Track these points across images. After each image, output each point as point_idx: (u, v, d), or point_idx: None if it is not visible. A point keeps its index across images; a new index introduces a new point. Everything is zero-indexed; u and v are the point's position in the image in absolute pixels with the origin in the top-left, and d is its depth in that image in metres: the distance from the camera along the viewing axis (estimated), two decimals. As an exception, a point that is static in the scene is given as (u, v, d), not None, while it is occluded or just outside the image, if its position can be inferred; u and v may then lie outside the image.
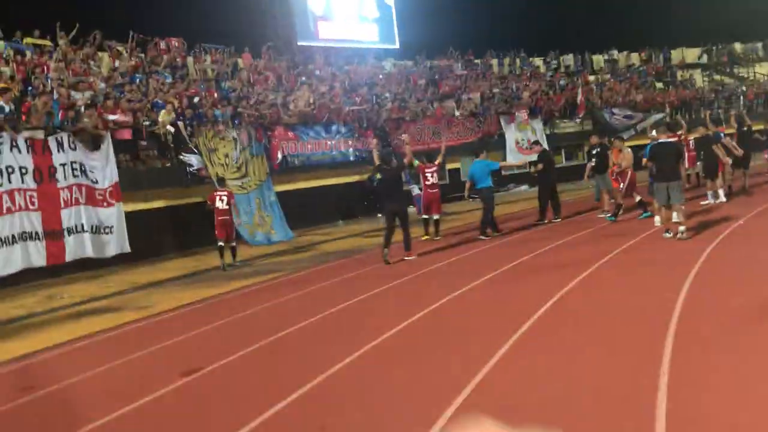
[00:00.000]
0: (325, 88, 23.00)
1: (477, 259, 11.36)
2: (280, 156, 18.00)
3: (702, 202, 14.64)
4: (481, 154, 14.62)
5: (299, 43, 27.85)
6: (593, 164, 14.71)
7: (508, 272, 9.67)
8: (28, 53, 18.07)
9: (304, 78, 23.98)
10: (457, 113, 24.80)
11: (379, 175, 13.15)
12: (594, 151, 14.77)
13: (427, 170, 14.62)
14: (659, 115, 27.53)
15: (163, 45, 23.51)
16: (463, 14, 37.25)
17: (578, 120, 28.20)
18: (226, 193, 13.67)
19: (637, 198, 13.65)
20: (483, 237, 13.48)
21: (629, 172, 13.33)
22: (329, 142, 19.45)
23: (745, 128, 17.34)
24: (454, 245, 13.16)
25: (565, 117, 28.26)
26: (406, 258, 11.86)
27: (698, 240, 10.32)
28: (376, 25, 30.94)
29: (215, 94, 19.03)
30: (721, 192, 14.72)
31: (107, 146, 14.29)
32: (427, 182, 14.62)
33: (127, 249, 14.32)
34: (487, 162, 14.36)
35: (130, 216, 14.50)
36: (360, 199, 20.54)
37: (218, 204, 13.44)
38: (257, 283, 11.18)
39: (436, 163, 14.73)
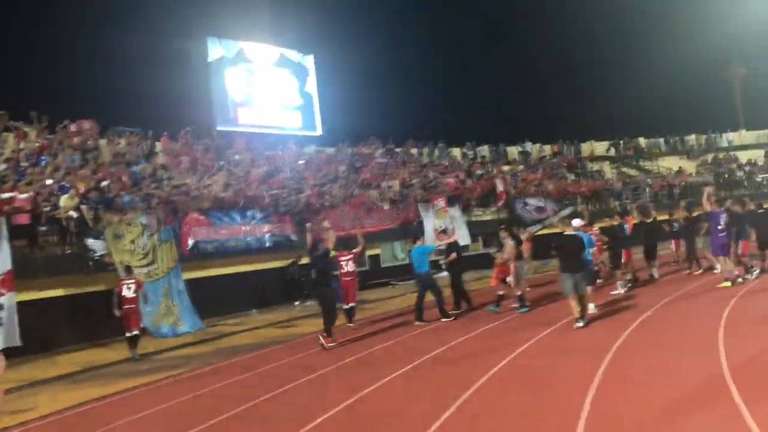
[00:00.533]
0: (242, 173, 22.75)
1: (392, 351, 11.00)
2: (191, 242, 17.36)
3: (612, 292, 14.89)
4: (419, 240, 14.72)
5: (218, 128, 27.73)
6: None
7: (423, 365, 9.36)
8: None
9: (222, 162, 23.68)
10: (379, 201, 24.88)
11: (305, 260, 13.12)
12: (502, 242, 14.87)
13: (342, 258, 14.43)
14: (568, 210, 28.41)
15: (73, 127, 22.79)
16: (384, 105, 38.44)
17: (495, 208, 28.85)
18: (133, 281, 13.43)
19: (518, 292, 13.57)
20: (418, 322, 13.47)
21: (512, 265, 13.42)
22: (244, 228, 18.96)
23: (650, 219, 17.96)
24: (371, 334, 12.85)
25: (482, 205, 28.86)
26: (325, 345, 11.59)
27: (608, 329, 10.35)
28: (299, 113, 31.29)
29: (125, 179, 18.38)
30: (619, 284, 15.00)
31: (1, 231, 13.37)
32: (342, 270, 14.40)
33: (18, 342, 13.18)
34: (424, 246, 14.49)
35: (24, 305, 13.45)
36: (275, 286, 19.96)
37: (125, 292, 13.05)
38: (153, 382, 10.41)
39: (354, 251, 14.53)
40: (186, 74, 28.60)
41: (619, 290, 14.83)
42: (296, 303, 19.82)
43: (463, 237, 25.57)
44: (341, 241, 22.22)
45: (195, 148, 24.83)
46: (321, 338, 11.80)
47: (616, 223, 15.88)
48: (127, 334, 12.96)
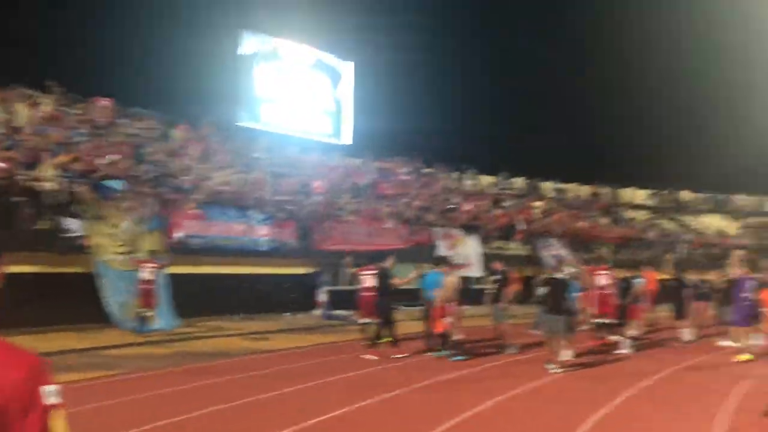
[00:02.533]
0: (258, 173, 21.75)
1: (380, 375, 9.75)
2: (180, 234, 16.40)
3: (615, 351, 13.39)
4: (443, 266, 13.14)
5: (239, 124, 26.96)
6: (492, 292, 13.47)
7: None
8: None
9: (237, 159, 22.85)
10: (393, 219, 23.70)
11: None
12: (493, 278, 13.51)
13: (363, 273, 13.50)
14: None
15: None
16: (420, 122, 37.24)
17: (517, 244, 27.45)
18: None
19: (454, 336, 11.96)
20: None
21: (453, 305, 11.75)
22: (240, 227, 17.97)
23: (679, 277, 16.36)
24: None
25: (504, 238, 27.48)
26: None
27: (591, 395, 8.93)
28: (329, 119, 30.41)
29: (125, 159, 17.56)
30: (627, 342, 13.47)
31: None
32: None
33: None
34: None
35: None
36: (267, 293, 18.88)
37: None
38: (77, 381, 9.32)
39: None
40: (215, 66, 27.98)
41: (624, 350, 13.30)
42: (288, 313, 18.73)
43: (476, 269, 24.27)
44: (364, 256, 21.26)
45: (212, 140, 24.09)
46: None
47: (621, 276, 14.30)
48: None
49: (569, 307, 11.49)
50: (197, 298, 16.61)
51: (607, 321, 14.09)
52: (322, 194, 21.65)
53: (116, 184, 15.67)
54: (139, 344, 12.91)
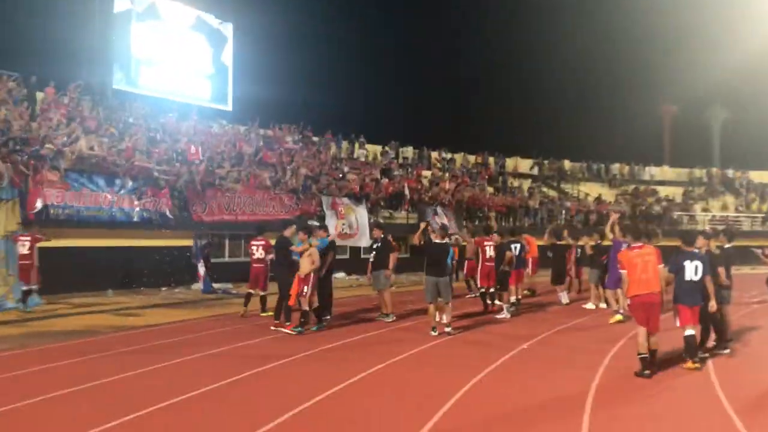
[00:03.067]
0: (128, 138, 20.25)
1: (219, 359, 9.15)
2: (39, 204, 14.97)
3: (496, 316, 13.51)
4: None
5: (114, 87, 25.17)
6: (371, 260, 13.16)
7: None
8: None
9: (110, 124, 21.22)
10: (278, 188, 22.91)
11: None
12: (374, 246, 13.21)
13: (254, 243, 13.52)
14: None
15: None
16: (307, 90, 36.46)
17: (406, 212, 27.43)
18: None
19: (305, 307, 11.26)
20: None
21: (311, 276, 11.20)
22: (110, 197, 16.67)
23: (562, 242, 16.86)
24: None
25: (393, 207, 27.38)
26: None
27: (470, 360, 8.82)
28: (210, 83, 28.98)
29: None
30: (504, 309, 13.62)
31: None
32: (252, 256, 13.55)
33: None
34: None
35: None
36: (142, 267, 17.76)
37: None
38: None
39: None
40: (87, 24, 25.82)
41: (504, 314, 13.44)
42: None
43: (364, 238, 24.05)
44: (227, 226, 20.46)
45: (81, 103, 22.29)
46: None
47: (505, 240, 14.45)
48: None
49: (448, 272, 11.58)
50: (61, 274, 15.33)
51: (491, 290, 14.25)
52: (199, 161, 20.49)
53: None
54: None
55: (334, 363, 8.86)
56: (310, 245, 11.43)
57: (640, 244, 8.84)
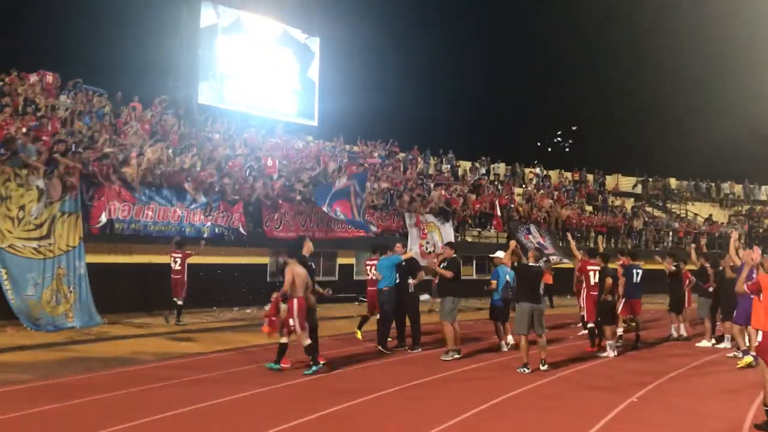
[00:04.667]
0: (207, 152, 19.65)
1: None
2: (104, 218, 14.37)
3: (599, 354, 11.62)
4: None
5: (200, 102, 24.92)
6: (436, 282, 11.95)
7: None
8: None
9: (194, 139, 20.85)
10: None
11: None
12: (442, 265, 11.56)
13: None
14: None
15: (34, 77, 20.41)
16: (394, 105, 35.37)
17: (495, 231, 25.68)
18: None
19: (306, 342, 9.17)
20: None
21: (296, 301, 9.11)
22: (179, 212, 15.96)
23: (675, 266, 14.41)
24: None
25: (481, 226, 25.69)
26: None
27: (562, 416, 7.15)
28: (296, 99, 28.36)
29: (49, 129, 15.53)
30: (608, 346, 11.63)
31: None
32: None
33: None
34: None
35: None
36: (212, 285, 16.95)
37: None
38: None
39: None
40: (174, 40, 25.85)
41: (608, 353, 11.52)
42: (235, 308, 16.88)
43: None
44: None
45: (164, 118, 22.06)
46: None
47: (612, 266, 12.47)
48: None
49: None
50: (125, 293, 14.69)
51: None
52: (275, 176, 19.63)
53: (29, 154, 13.53)
54: (33, 347, 10.87)
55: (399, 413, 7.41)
56: None
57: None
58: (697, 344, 13.10)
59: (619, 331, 12.45)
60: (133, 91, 22.71)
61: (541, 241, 25.51)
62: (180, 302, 14.37)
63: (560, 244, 25.98)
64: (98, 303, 13.95)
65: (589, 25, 41.71)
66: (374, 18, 31.77)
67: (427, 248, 22.66)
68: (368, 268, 12.70)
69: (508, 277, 11.48)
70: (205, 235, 16.40)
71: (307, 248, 10.04)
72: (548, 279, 17.49)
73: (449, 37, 44.12)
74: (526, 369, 9.78)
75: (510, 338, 11.94)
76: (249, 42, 26.45)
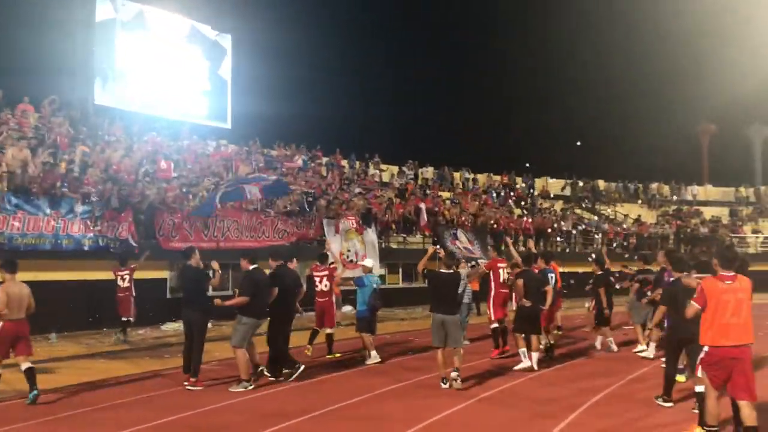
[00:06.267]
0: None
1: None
2: (-43, 231, 12.27)
3: (516, 367, 10.32)
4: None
5: (96, 103, 22.73)
6: None
7: None
8: None
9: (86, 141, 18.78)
10: (272, 210, 20.05)
11: None
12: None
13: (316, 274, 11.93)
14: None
15: None
16: (313, 107, 33.91)
17: (421, 236, 24.37)
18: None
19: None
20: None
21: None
22: (54, 223, 13.90)
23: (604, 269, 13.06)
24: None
25: (406, 231, 24.34)
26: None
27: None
28: (206, 100, 26.43)
29: None
30: (534, 356, 10.37)
31: None
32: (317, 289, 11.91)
33: None
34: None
35: None
36: (97, 305, 14.94)
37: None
38: None
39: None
40: (67, 36, 23.55)
41: (525, 363, 10.24)
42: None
43: (376, 265, 20.99)
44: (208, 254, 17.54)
45: (52, 120, 19.88)
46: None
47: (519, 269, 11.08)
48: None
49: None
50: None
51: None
52: (169, 180, 17.73)
53: None
54: None
55: None
56: None
57: (732, 274, 5.78)
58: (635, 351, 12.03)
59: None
60: (23, 91, 20.59)
61: (469, 246, 24.38)
62: (131, 319, 13.96)
63: (488, 249, 24.91)
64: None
65: (523, 29, 41.65)
66: (292, 15, 30.25)
67: (348, 256, 21.11)
68: (317, 279, 11.89)
69: (375, 285, 11.18)
70: (86, 248, 14.39)
71: (195, 260, 9.70)
72: (474, 286, 16.20)
73: (378, 37, 42.92)
74: (444, 383, 9.16)
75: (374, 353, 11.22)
76: (153, 39, 24.42)
